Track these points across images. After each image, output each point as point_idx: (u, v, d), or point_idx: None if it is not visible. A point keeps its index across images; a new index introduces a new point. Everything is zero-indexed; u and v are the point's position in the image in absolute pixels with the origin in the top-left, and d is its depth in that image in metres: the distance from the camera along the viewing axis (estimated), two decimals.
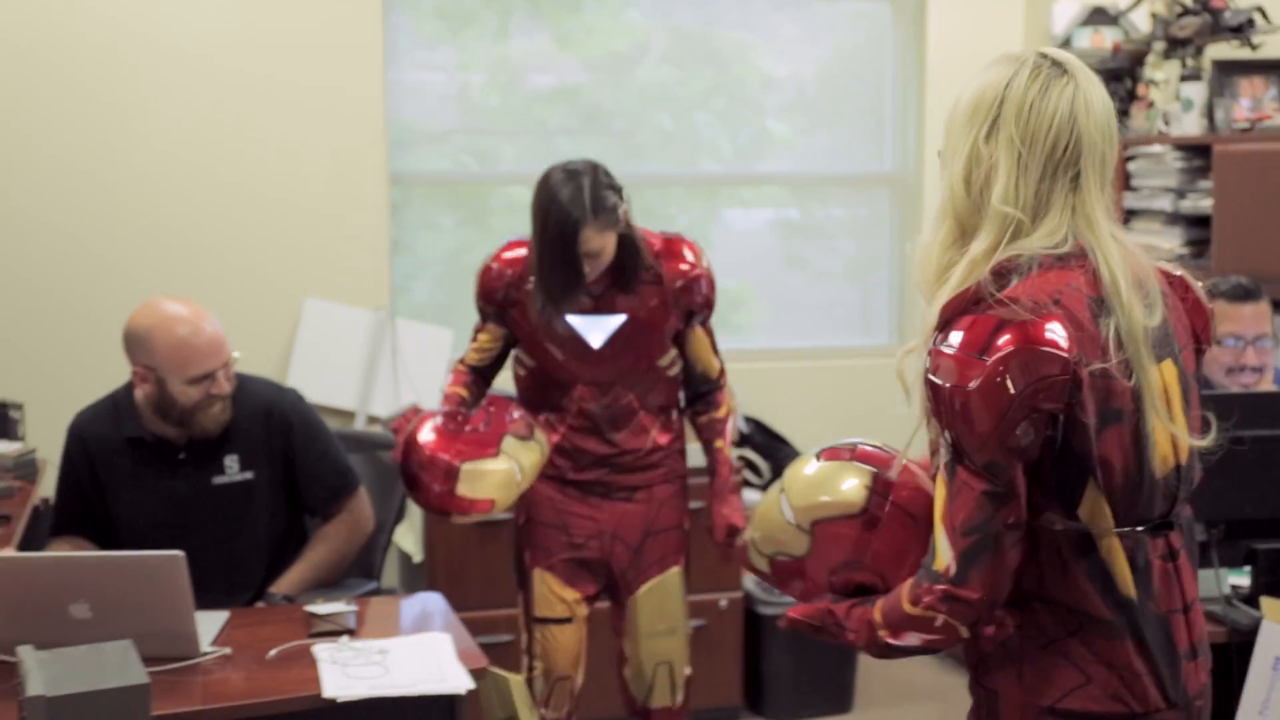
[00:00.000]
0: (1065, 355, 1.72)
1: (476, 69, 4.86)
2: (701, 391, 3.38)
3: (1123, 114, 4.82)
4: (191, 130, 4.46)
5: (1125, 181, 4.65)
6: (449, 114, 4.87)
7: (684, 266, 3.27)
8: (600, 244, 3.12)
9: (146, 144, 4.44)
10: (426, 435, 3.13)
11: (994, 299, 1.75)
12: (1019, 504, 1.76)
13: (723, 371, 3.40)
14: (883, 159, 5.30)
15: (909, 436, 1.91)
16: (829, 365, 5.21)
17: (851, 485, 1.92)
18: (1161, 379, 1.83)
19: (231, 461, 3.19)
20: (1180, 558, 1.88)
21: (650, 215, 5.06)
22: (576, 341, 3.23)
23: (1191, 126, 4.44)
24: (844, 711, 4.58)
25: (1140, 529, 1.83)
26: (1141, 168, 4.58)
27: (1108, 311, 1.78)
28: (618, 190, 3.17)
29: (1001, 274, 1.78)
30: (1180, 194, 4.43)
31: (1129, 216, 4.67)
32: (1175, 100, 4.54)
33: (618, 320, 3.22)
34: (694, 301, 3.28)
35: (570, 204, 3.08)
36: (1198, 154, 4.40)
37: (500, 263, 3.26)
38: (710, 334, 3.36)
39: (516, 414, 3.22)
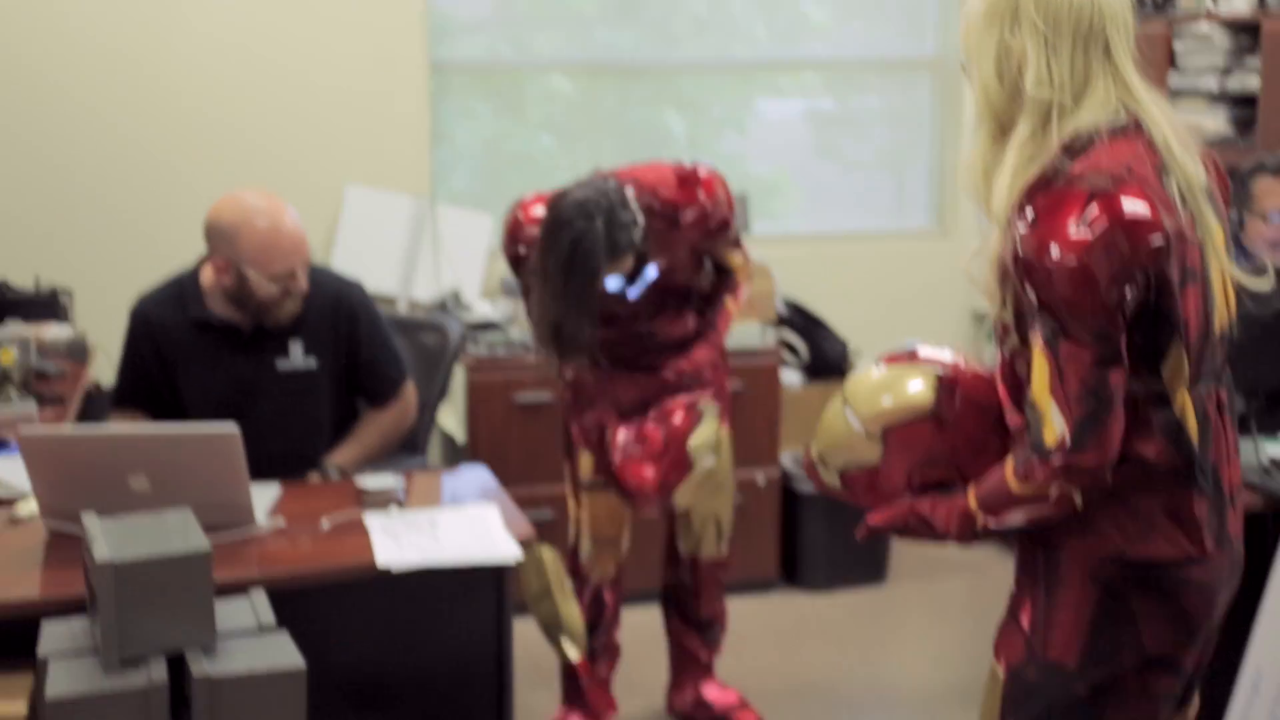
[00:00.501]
0: (1154, 219, 1.79)
1: None
2: (725, 271, 3.43)
3: None
4: (236, 18, 4.47)
5: (1170, 60, 4.60)
6: (483, 4, 4.85)
7: (696, 206, 3.22)
8: (612, 276, 3.12)
9: (191, 31, 4.45)
10: (634, 476, 3.21)
11: (1069, 175, 1.79)
12: (1124, 364, 1.82)
13: (745, 262, 3.40)
14: (924, 43, 5.24)
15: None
16: (865, 249, 5.22)
17: (918, 387, 1.97)
18: (1217, 236, 1.91)
19: (296, 348, 3.24)
20: (1226, 413, 1.97)
21: (684, 104, 5.06)
22: (614, 300, 3.26)
23: (1240, 4, 4.38)
24: (878, 582, 4.66)
25: (1204, 384, 1.91)
26: (1188, 47, 4.52)
27: (1168, 172, 1.85)
28: (634, 220, 3.08)
29: (1068, 152, 1.82)
30: (1227, 72, 4.38)
31: (1174, 96, 4.62)
32: None
33: (651, 271, 3.22)
34: (711, 233, 3.26)
35: (588, 255, 2.99)
36: (1245, 32, 4.34)
37: (530, 245, 3.17)
38: (733, 239, 3.36)
39: (679, 415, 3.25)
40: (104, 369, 4.08)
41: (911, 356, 2.02)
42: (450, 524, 2.78)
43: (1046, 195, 1.80)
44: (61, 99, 4.41)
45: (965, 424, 1.96)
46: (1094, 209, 1.77)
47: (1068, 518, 1.90)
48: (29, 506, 2.77)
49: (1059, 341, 1.80)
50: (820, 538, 4.55)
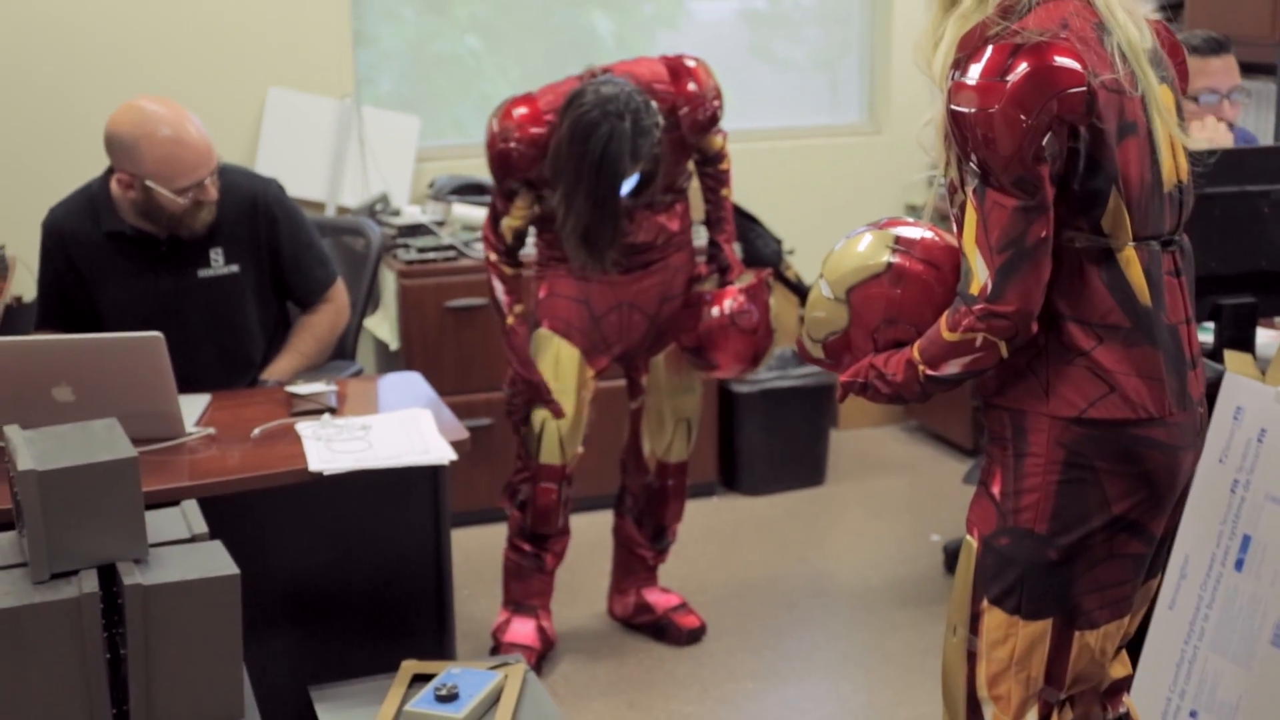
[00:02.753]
0: (1079, 69, 1.85)
1: None
2: (710, 157, 3.44)
3: None
4: None
5: None
6: None
7: (697, 98, 3.24)
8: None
9: None
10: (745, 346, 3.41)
11: (1004, 31, 1.87)
12: (1048, 216, 1.87)
13: (724, 142, 3.44)
14: None
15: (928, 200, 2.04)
16: (798, 146, 5.18)
17: (873, 247, 2.05)
18: (1161, 97, 1.96)
19: (216, 255, 3.17)
20: (1183, 276, 2.03)
21: (613, 4, 4.97)
22: None
23: None
24: (816, 484, 4.69)
25: (1153, 242, 1.96)
26: None
27: (1108, 31, 1.90)
28: (656, 122, 3.11)
29: (1006, 12, 1.89)
30: None
31: None
32: None
33: (633, 178, 3.19)
34: (709, 122, 3.30)
35: (617, 156, 3.03)
36: None
37: (523, 142, 3.14)
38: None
39: (762, 290, 3.41)
40: (25, 283, 3.99)
41: (876, 224, 2.09)
42: (384, 429, 2.76)
43: (978, 51, 1.88)
44: None
45: (918, 279, 2.02)
46: (1016, 59, 1.84)
47: (1031, 380, 1.96)
48: None
49: (985, 190, 1.87)
50: (759, 439, 4.57)
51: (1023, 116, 1.83)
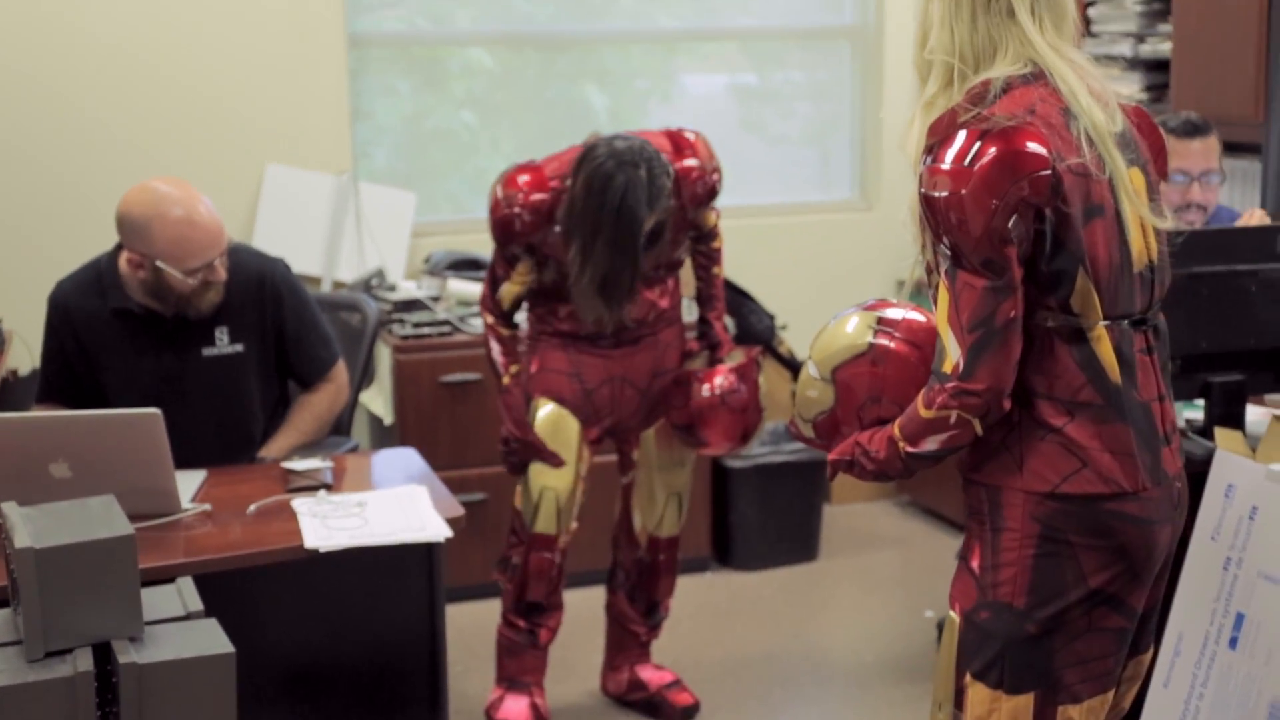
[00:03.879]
0: (1044, 153, 1.90)
1: None
2: (704, 235, 3.48)
3: None
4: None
5: (1086, 27, 4.65)
6: None
7: (696, 172, 3.28)
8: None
9: (106, 12, 4.36)
10: (734, 424, 3.40)
11: (973, 118, 1.92)
12: (1017, 297, 1.93)
13: (718, 219, 3.49)
14: (842, 12, 5.26)
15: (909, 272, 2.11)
16: (790, 222, 5.23)
17: (858, 328, 2.11)
18: (1131, 180, 2.01)
19: (221, 334, 3.18)
20: (1155, 355, 2.06)
21: (607, 78, 5.04)
22: None
23: None
24: (810, 560, 4.69)
25: (1124, 321, 2.00)
26: (1102, 13, 4.58)
27: (1074, 116, 1.95)
28: (668, 173, 3.16)
29: (975, 99, 1.95)
30: (1140, 38, 4.44)
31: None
32: None
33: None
34: (708, 196, 3.35)
35: (635, 204, 3.06)
36: None
37: (527, 209, 3.17)
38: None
39: (752, 369, 3.42)
40: (21, 357, 4.00)
41: (860, 306, 2.16)
42: (379, 505, 2.77)
43: (948, 137, 1.94)
44: None
45: (899, 358, 2.07)
46: (985, 144, 1.90)
47: (1005, 457, 2.00)
48: None
49: (955, 271, 1.93)
50: (752, 515, 4.57)
51: (991, 200, 1.89)
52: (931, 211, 1.93)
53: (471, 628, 4.06)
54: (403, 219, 4.68)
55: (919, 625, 4.15)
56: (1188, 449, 2.86)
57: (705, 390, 3.37)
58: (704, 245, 3.47)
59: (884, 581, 4.55)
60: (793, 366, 4.83)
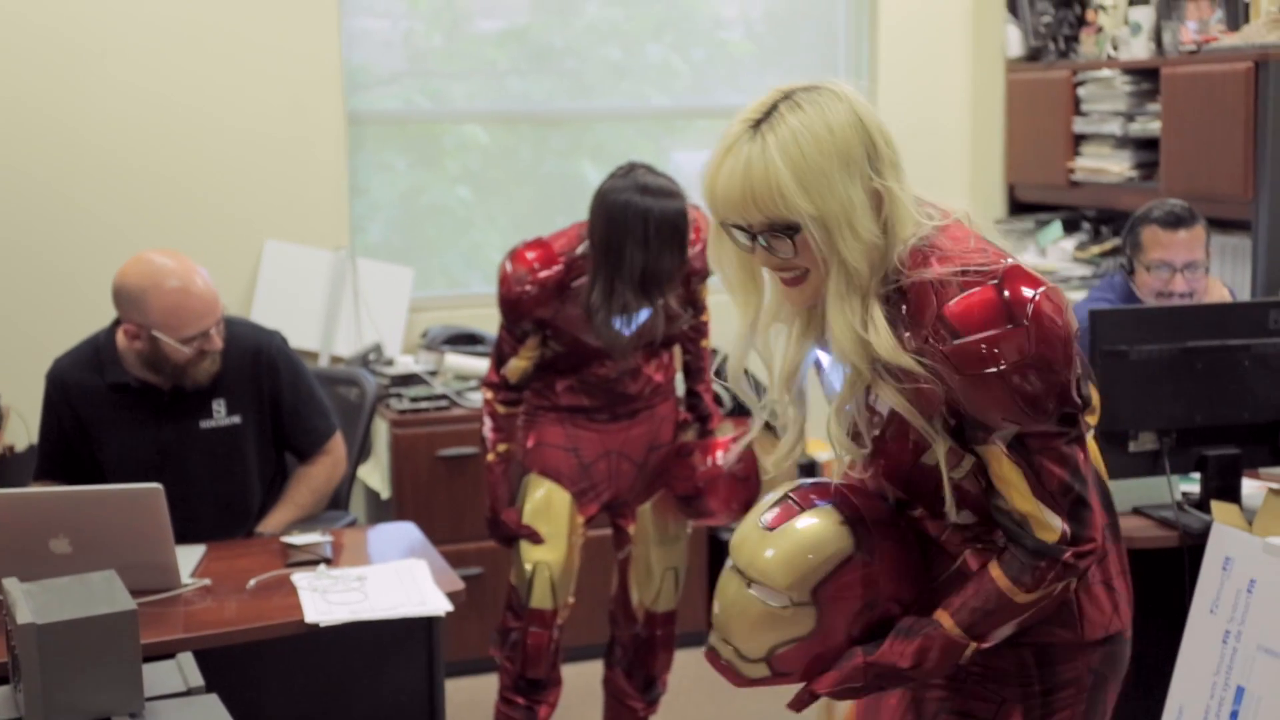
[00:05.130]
0: (1045, 280, 1.70)
1: (423, 14, 4.85)
2: (695, 308, 3.47)
3: (1071, 39, 4.88)
4: (151, 76, 4.44)
5: (1075, 107, 4.72)
6: (398, 58, 4.86)
7: (700, 247, 3.28)
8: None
9: (105, 89, 4.41)
10: (735, 495, 3.44)
11: (958, 273, 1.68)
12: (1083, 438, 1.74)
13: (706, 294, 3.49)
14: None
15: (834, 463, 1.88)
16: None
17: (830, 530, 1.79)
18: None
19: (219, 406, 3.19)
20: None
21: (601, 154, 5.09)
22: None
23: (1139, 50, 4.50)
24: None
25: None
26: (1091, 92, 4.64)
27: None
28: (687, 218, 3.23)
29: (920, 258, 1.71)
30: (1129, 118, 4.49)
31: (1079, 141, 4.74)
32: (1124, 24, 4.60)
33: (644, 312, 3.22)
34: (705, 272, 3.37)
35: (686, 225, 3.13)
36: (1146, 77, 4.46)
37: (536, 285, 3.18)
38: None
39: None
40: (18, 432, 4.00)
41: (798, 502, 1.82)
42: (379, 579, 2.77)
43: (957, 306, 1.66)
44: None
45: (886, 548, 1.80)
46: (1015, 292, 1.66)
47: (1062, 614, 1.81)
48: None
49: (1023, 446, 1.69)
50: None
51: (1063, 342, 1.66)
52: (986, 391, 1.65)
53: (469, 703, 4.04)
54: (400, 294, 4.71)
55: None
56: (1185, 522, 2.88)
57: (710, 462, 3.40)
58: (694, 319, 3.50)
59: None
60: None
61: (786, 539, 1.78)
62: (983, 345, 1.64)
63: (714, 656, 1.85)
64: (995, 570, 1.74)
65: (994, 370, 1.64)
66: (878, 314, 1.70)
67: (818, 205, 1.68)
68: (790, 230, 1.70)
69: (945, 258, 1.69)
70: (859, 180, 1.70)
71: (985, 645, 1.76)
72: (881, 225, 1.70)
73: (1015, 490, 1.71)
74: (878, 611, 1.79)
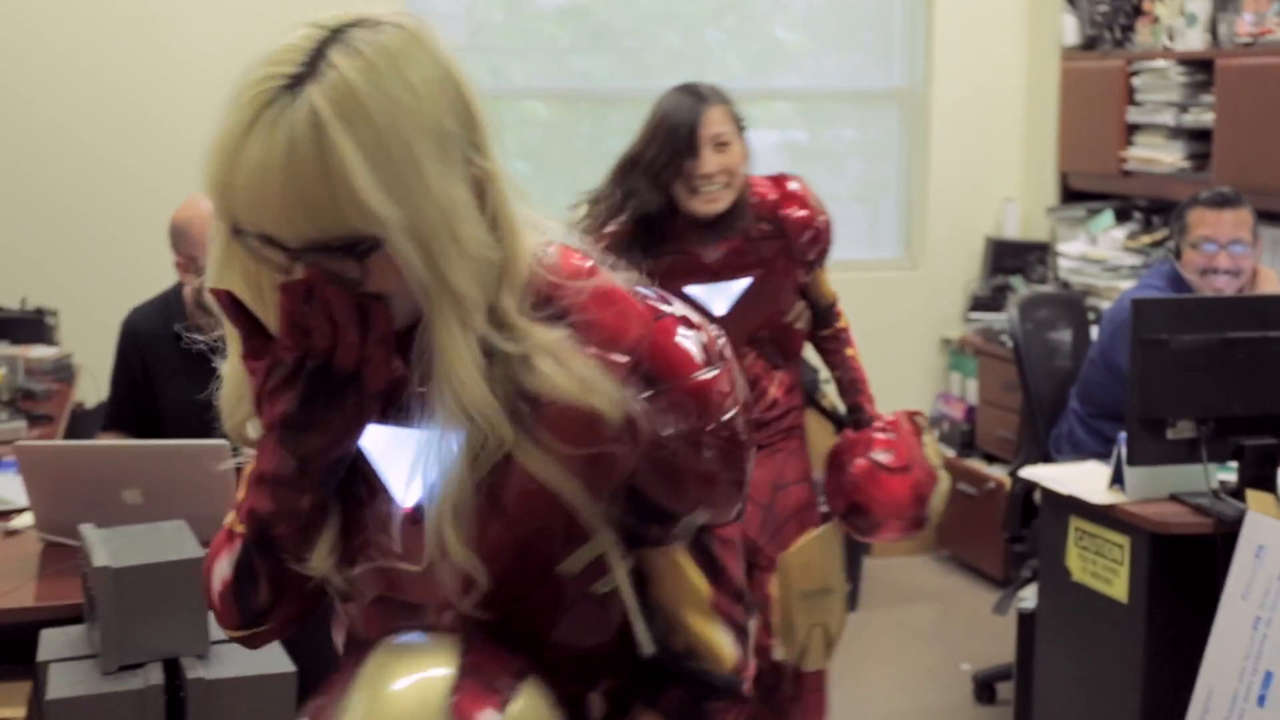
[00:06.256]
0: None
1: None
2: (822, 310, 3.27)
3: (1127, 29, 4.90)
4: (213, 44, 4.55)
5: (1129, 96, 4.74)
6: (459, 33, 4.95)
7: (804, 214, 3.07)
8: (725, 130, 2.94)
9: (172, 56, 4.54)
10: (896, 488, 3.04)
11: (579, 304, 1.26)
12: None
13: (836, 298, 3.30)
14: (891, 74, 5.38)
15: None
16: (837, 277, 5.24)
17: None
18: None
19: None
20: None
21: None
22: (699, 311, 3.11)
23: (1195, 41, 4.52)
24: (849, 611, 4.73)
25: None
26: (1145, 83, 4.67)
27: None
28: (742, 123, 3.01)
29: (547, 291, 1.27)
30: (1183, 109, 4.52)
31: (1132, 131, 4.77)
32: (1179, 15, 4.61)
33: (744, 283, 3.02)
34: (820, 251, 3.14)
35: (691, 94, 2.99)
36: (1201, 69, 4.48)
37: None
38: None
39: (905, 424, 3.11)
40: (89, 389, 4.14)
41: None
42: None
43: (653, 354, 1.22)
44: (45, 122, 4.48)
45: None
46: (687, 329, 1.27)
47: None
48: (23, 519, 2.84)
49: (708, 532, 1.29)
50: None
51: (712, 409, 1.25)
52: (670, 460, 1.23)
53: None
54: None
55: (955, 678, 4.20)
56: (1220, 510, 2.93)
57: (858, 461, 3.04)
58: (827, 329, 3.25)
59: (921, 634, 4.61)
60: (836, 419, 4.90)
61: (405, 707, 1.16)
62: (680, 395, 1.22)
63: None
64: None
65: (687, 427, 1.21)
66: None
67: (407, 210, 1.13)
68: (360, 247, 1.13)
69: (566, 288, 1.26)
70: (458, 166, 1.19)
71: None
72: (490, 224, 1.22)
73: (688, 594, 1.28)
74: None
